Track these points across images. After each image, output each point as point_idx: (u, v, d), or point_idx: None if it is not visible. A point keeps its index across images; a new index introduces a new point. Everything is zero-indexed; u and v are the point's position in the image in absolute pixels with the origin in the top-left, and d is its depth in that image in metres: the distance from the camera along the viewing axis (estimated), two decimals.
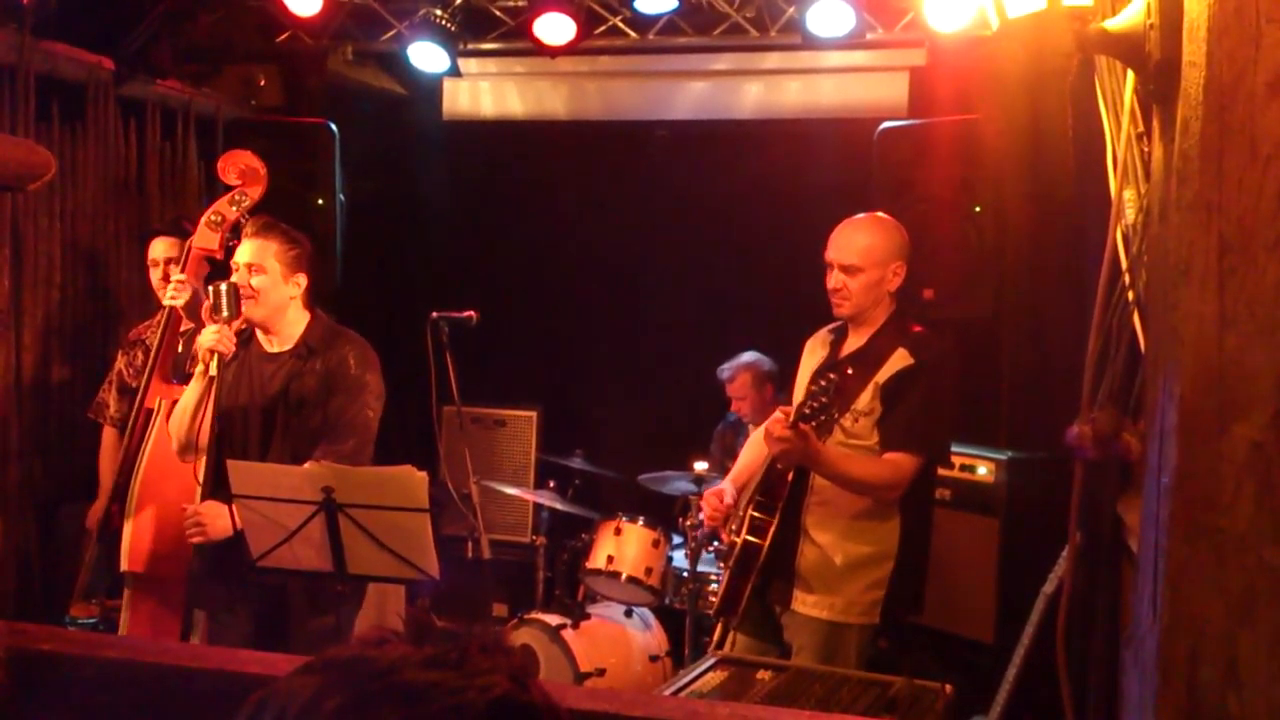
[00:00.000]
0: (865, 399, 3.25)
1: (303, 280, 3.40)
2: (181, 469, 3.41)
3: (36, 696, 1.95)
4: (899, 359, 3.26)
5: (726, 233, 5.65)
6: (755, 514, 3.39)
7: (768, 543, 3.33)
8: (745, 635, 3.46)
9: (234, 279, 3.33)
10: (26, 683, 1.95)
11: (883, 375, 3.25)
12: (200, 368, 3.27)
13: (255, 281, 3.32)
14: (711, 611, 3.67)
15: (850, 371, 3.15)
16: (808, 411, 3.07)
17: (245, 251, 3.36)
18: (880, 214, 3.43)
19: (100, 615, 3.93)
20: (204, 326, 3.31)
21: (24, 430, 4.49)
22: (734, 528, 3.50)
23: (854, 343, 3.38)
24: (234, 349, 3.30)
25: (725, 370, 4.90)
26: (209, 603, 3.51)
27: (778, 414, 3.17)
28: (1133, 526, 2.44)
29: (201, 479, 3.35)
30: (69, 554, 4.41)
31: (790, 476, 3.34)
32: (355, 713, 0.81)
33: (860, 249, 3.29)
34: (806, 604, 3.31)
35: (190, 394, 3.33)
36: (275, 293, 3.35)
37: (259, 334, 3.44)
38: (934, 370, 3.24)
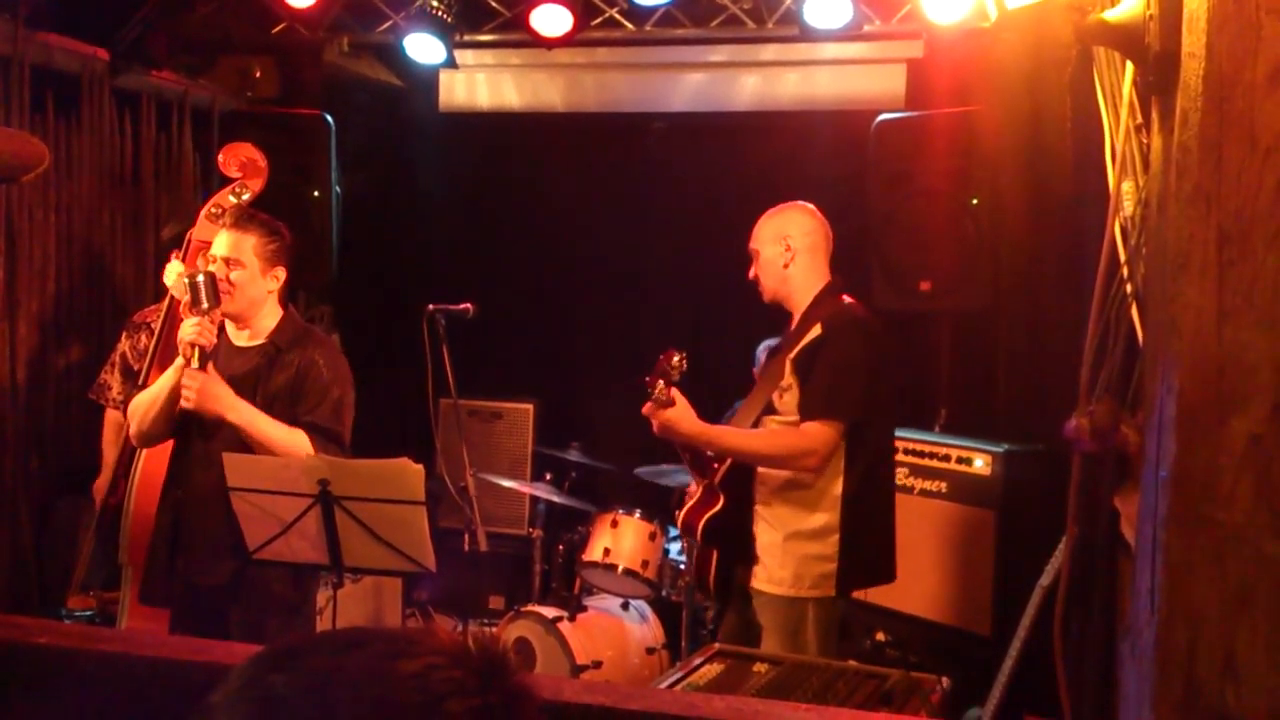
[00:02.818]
0: (786, 376, 3.38)
1: (281, 274, 3.34)
2: None
3: (33, 691, 1.95)
4: (813, 332, 3.38)
5: (723, 224, 5.59)
6: (697, 499, 3.59)
7: (702, 523, 3.51)
8: (734, 614, 3.60)
9: (211, 269, 3.24)
10: (22, 677, 1.94)
11: (795, 350, 3.38)
12: (180, 360, 3.19)
13: (233, 276, 3.24)
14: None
15: (673, 353, 3.28)
16: (650, 391, 3.27)
17: (222, 244, 3.28)
18: (793, 202, 3.58)
19: (97, 607, 3.92)
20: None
21: (20, 423, 4.48)
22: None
23: (791, 326, 3.53)
24: (215, 341, 3.23)
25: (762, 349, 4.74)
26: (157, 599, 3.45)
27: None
28: (1130, 519, 2.44)
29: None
30: (65, 546, 4.41)
31: (728, 460, 3.51)
32: None
33: (756, 232, 3.54)
34: (761, 580, 3.42)
35: (162, 384, 3.24)
36: (253, 287, 3.28)
37: (229, 325, 3.38)
38: (838, 336, 3.34)
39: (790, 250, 3.44)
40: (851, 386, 3.30)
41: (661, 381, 3.26)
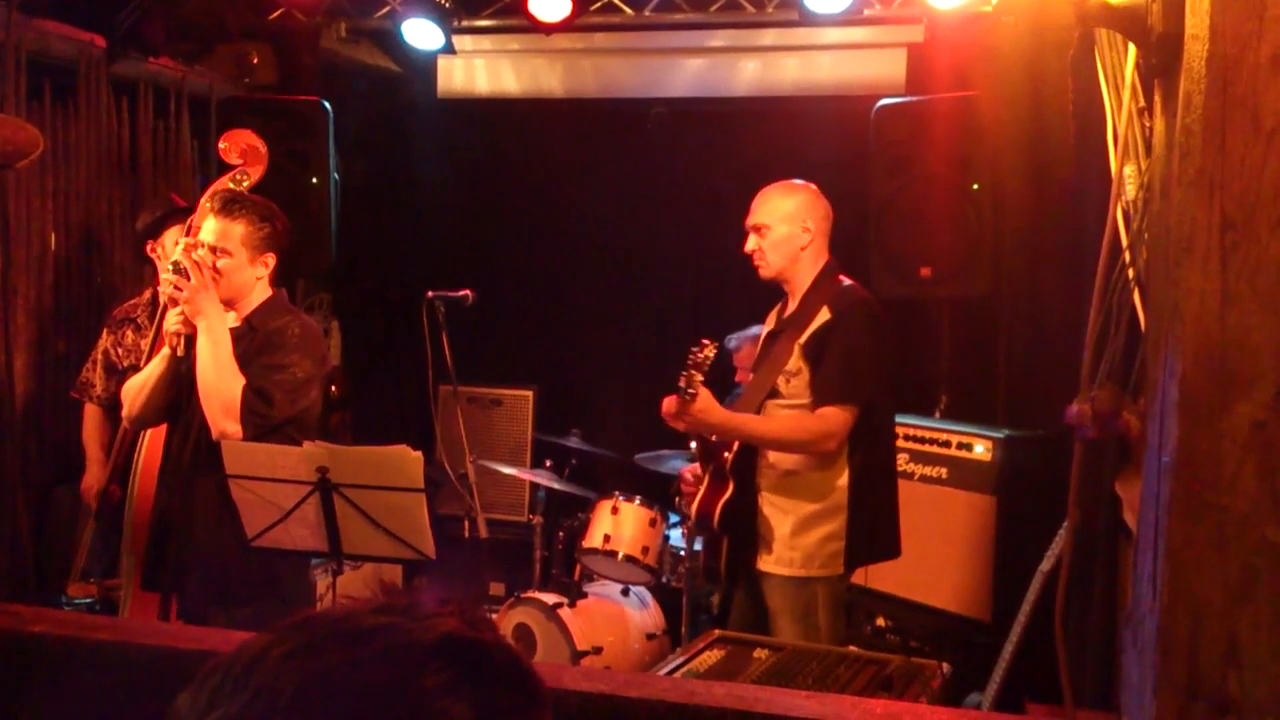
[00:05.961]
0: (793, 360, 3.42)
1: (271, 260, 3.27)
2: None
3: (29, 678, 1.94)
4: (820, 316, 3.41)
5: (723, 210, 5.59)
6: (706, 486, 3.60)
7: (718, 509, 3.51)
8: (744, 598, 3.60)
9: (197, 255, 3.16)
10: (18, 665, 1.94)
11: (804, 335, 3.41)
12: (166, 351, 3.17)
13: (220, 264, 3.18)
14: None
15: (706, 344, 3.30)
16: (681, 385, 3.26)
17: (209, 231, 3.21)
18: (798, 181, 3.57)
19: (98, 595, 3.92)
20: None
21: (17, 410, 4.47)
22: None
23: (790, 307, 3.54)
24: None
25: (733, 340, 4.83)
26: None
27: (670, 397, 3.35)
28: (1131, 504, 2.44)
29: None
30: (63, 534, 4.40)
31: (735, 445, 3.51)
32: (302, 657, 0.82)
33: (766, 207, 3.50)
34: (770, 564, 3.46)
35: (151, 370, 3.22)
36: (240, 275, 3.22)
37: None
38: (847, 320, 3.39)
39: (809, 232, 3.46)
40: (865, 371, 3.36)
41: (696, 374, 3.25)
